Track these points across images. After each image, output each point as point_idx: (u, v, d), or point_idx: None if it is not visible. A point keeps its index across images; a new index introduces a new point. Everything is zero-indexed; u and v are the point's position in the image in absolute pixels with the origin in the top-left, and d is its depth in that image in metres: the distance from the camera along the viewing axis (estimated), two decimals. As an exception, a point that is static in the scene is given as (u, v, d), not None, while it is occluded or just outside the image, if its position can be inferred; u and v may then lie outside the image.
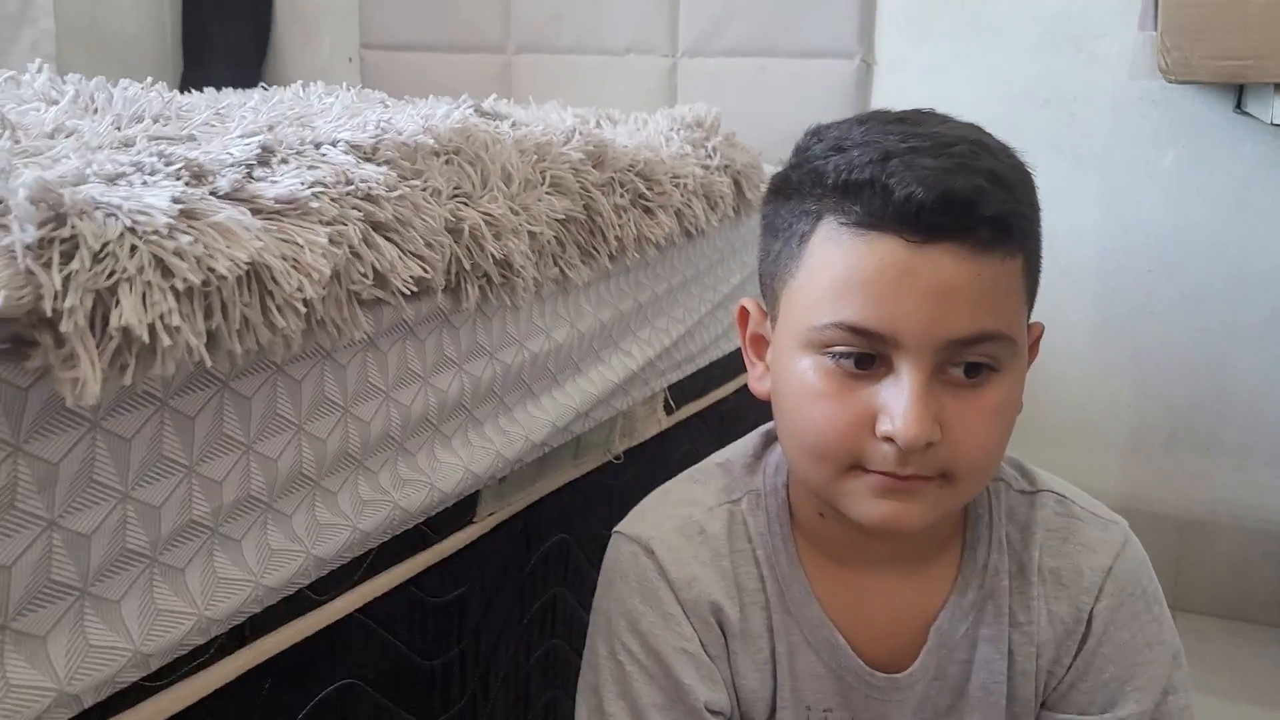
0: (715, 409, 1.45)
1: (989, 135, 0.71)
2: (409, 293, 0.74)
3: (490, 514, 0.98)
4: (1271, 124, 1.39)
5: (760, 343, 0.77)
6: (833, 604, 0.76)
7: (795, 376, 0.69)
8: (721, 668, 0.76)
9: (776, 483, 0.79)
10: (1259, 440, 1.84)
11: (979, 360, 0.66)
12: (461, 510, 0.94)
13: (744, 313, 0.79)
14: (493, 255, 0.85)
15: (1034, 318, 0.73)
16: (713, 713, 0.75)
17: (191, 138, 0.70)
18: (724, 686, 0.76)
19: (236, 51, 2.33)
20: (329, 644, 0.80)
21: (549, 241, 0.95)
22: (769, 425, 0.81)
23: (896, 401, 0.64)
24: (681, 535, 0.77)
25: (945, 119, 0.71)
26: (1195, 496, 1.89)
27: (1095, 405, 1.93)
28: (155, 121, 0.74)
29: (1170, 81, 1.61)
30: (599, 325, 1.09)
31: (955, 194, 0.63)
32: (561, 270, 0.98)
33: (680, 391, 1.34)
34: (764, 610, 0.76)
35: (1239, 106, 1.70)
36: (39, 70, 0.81)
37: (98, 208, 0.52)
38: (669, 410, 1.32)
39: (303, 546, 0.72)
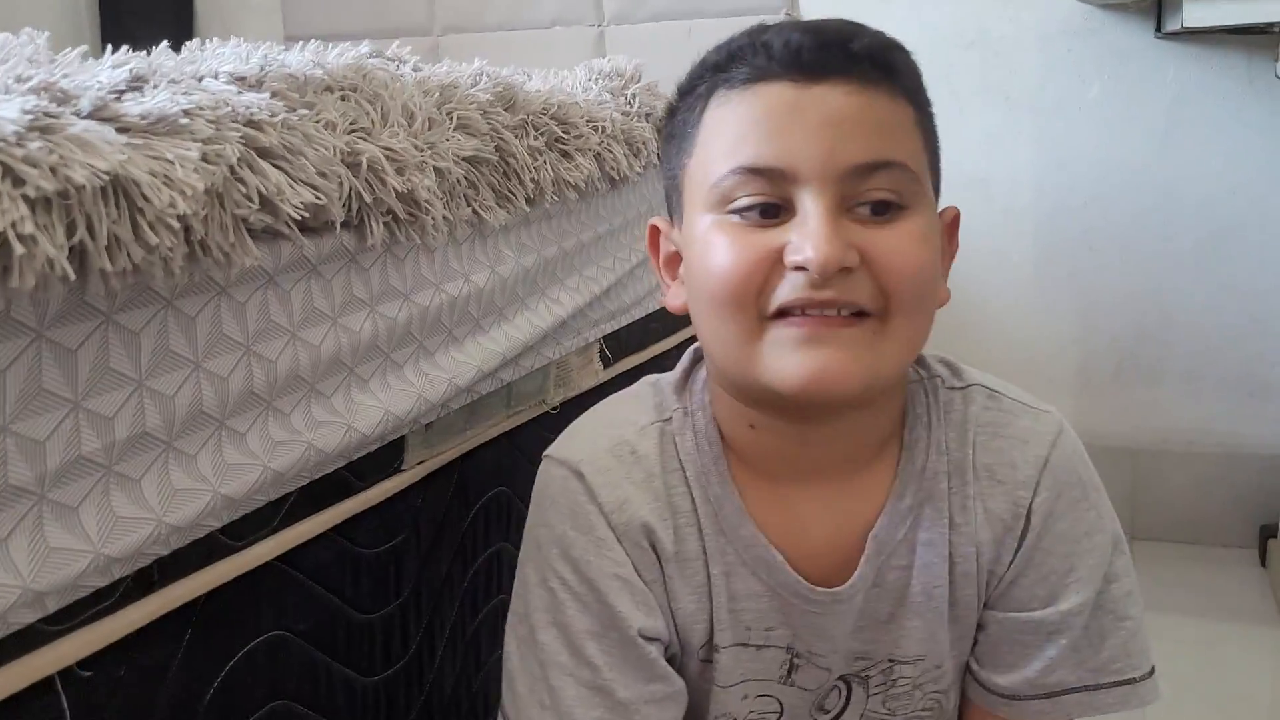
0: (655, 362, 1.43)
1: None
2: (300, 218, 0.72)
3: (419, 462, 0.96)
4: (1184, 29, 1.40)
5: (674, 262, 0.75)
6: (767, 521, 0.74)
7: (699, 240, 0.68)
8: (657, 593, 0.74)
9: (704, 399, 0.76)
10: (1205, 365, 1.86)
11: (884, 196, 0.65)
12: (388, 458, 0.92)
13: (654, 231, 0.78)
14: (395, 190, 0.83)
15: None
16: (648, 639, 0.73)
17: (53, 74, 0.67)
18: (659, 612, 0.74)
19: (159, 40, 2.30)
20: (251, 593, 0.78)
21: (458, 180, 0.93)
22: (698, 344, 0.78)
23: (803, 230, 0.63)
24: (612, 456, 0.74)
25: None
26: (1146, 426, 1.90)
27: (1041, 343, 1.94)
28: (28, 62, 0.71)
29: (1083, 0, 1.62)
30: (522, 271, 1.07)
31: (831, 33, 0.66)
32: (476, 211, 0.96)
33: (617, 344, 1.32)
34: (697, 532, 0.74)
35: (1159, 30, 1.71)
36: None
37: (-60, 117, 0.50)
38: (606, 362, 1.31)
39: (209, 485, 0.70)
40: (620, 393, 0.81)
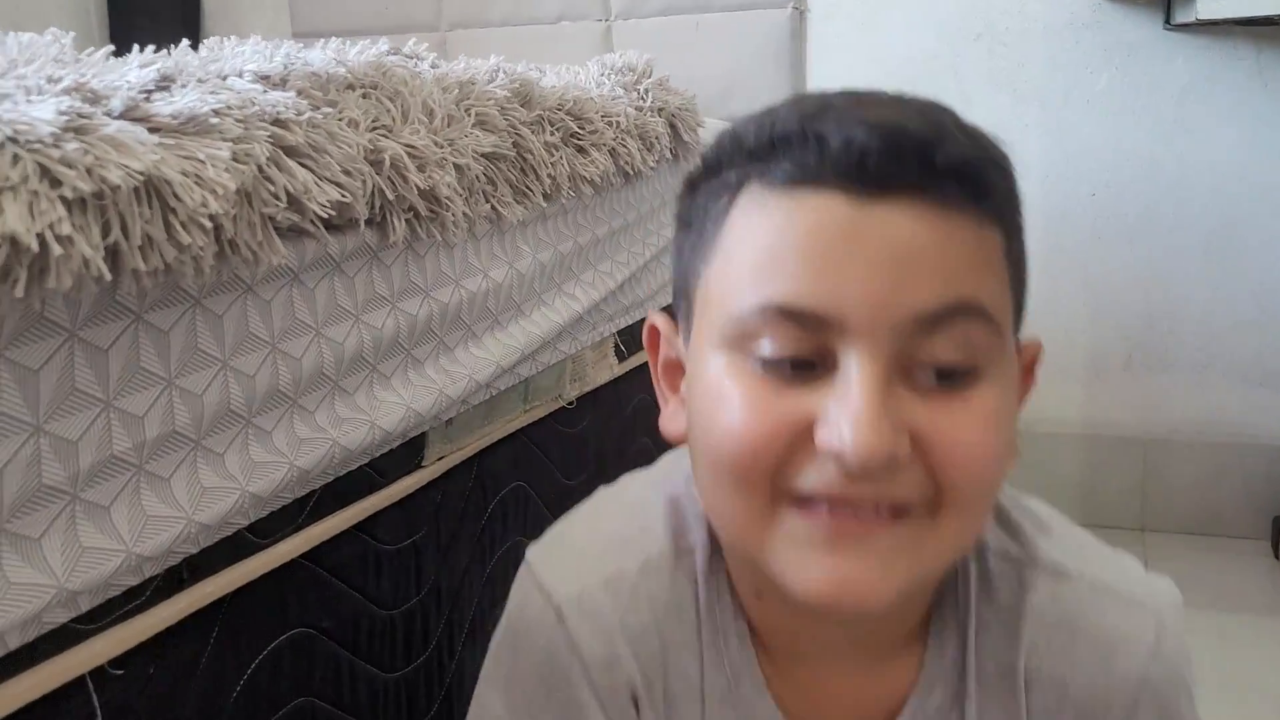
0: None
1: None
2: (327, 216, 0.72)
3: (439, 458, 0.96)
4: (1197, 21, 1.39)
5: (674, 370, 0.60)
6: (786, 703, 0.60)
7: (710, 383, 0.52)
8: None
9: (700, 565, 0.61)
10: (1215, 355, 1.86)
11: (953, 359, 0.49)
12: (409, 454, 0.92)
13: (654, 332, 0.62)
14: (417, 187, 0.83)
15: None
16: None
17: (84, 74, 0.68)
18: None
19: (166, 39, 2.30)
20: (277, 591, 0.78)
21: (477, 177, 0.93)
22: None
23: (843, 404, 0.47)
24: (607, 593, 0.60)
25: (902, 94, 0.55)
26: (1156, 416, 1.90)
27: (1051, 335, 1.93)
28: (54, 62, 0.71)
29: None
30: (539, 266, 1.07)
31: (909, 135, 0.48)
32: (494, 208, 0.96)
33: (632, 338, 1.33)
34: (698, 702, 0.60)
35: (1168, 21, 1.71)
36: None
37: (-24, 118, 0.50)
38: (620, 357, 1.31)
39: (237, 484, 0.70)
40: (631, 491, 0.66)
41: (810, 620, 0.56)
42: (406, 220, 0.84)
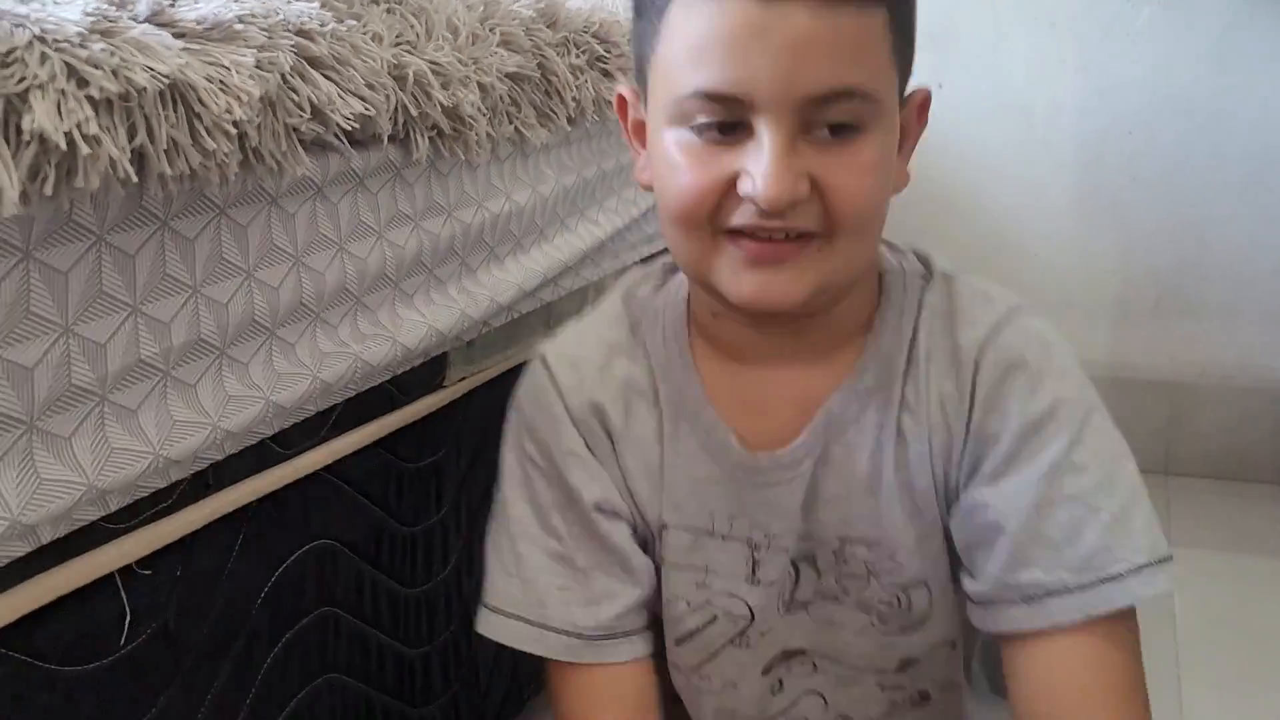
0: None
1: None
2: (351, 129, 0.72)
3: (461, 379, 0.97)
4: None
5: (641, 129, 0.73)
6: (727, 403, 0.74)
7: (662, 151, 0.67)
8: (611, 470, 0.76)
9: (678, 297, 0.78)
10: (1245, 300, 1.84)
11: (842, 119, 0.62)
12: (430, 373, 0.93)
13: (622, 100, 0.76)
14: (441, 104, 0.83)
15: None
16: (606, 513, 0.75)
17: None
18: (614, 487, 0.76)
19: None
20: (300, 501, 0.80)
21: (501, 97, 0.93)
22: None
23: (756, 162, 0.62)
24: (576, 343, 0.79)
25: None
26: (1185, 360, 1.89)
27: (1080, 275, 1.92)
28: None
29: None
30: (562, 190, 1.07)
31: None
32: (517, 129, 0.96)
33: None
34: (655, 417, 0.76)
35: (1213, -45, 1.67)
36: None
37: (3, 18, 0.50)
38: (644, 285, 1.31)
39: (261, 393, 0.72)
40: (600, 299, 0.83)
41: (754, 330, 0.72)
42: (430, 138, 0.84)
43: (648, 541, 0.77)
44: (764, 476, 0.73)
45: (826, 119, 0.62)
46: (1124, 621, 0.66)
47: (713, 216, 0.65)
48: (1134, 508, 0.67)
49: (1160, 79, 1.80)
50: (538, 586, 0.74)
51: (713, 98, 0.62)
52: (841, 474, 0.72)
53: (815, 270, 0.65)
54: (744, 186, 0.63)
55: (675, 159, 0.65)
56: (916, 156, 0.71)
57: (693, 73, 0.63)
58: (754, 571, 0.75)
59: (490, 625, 0.77)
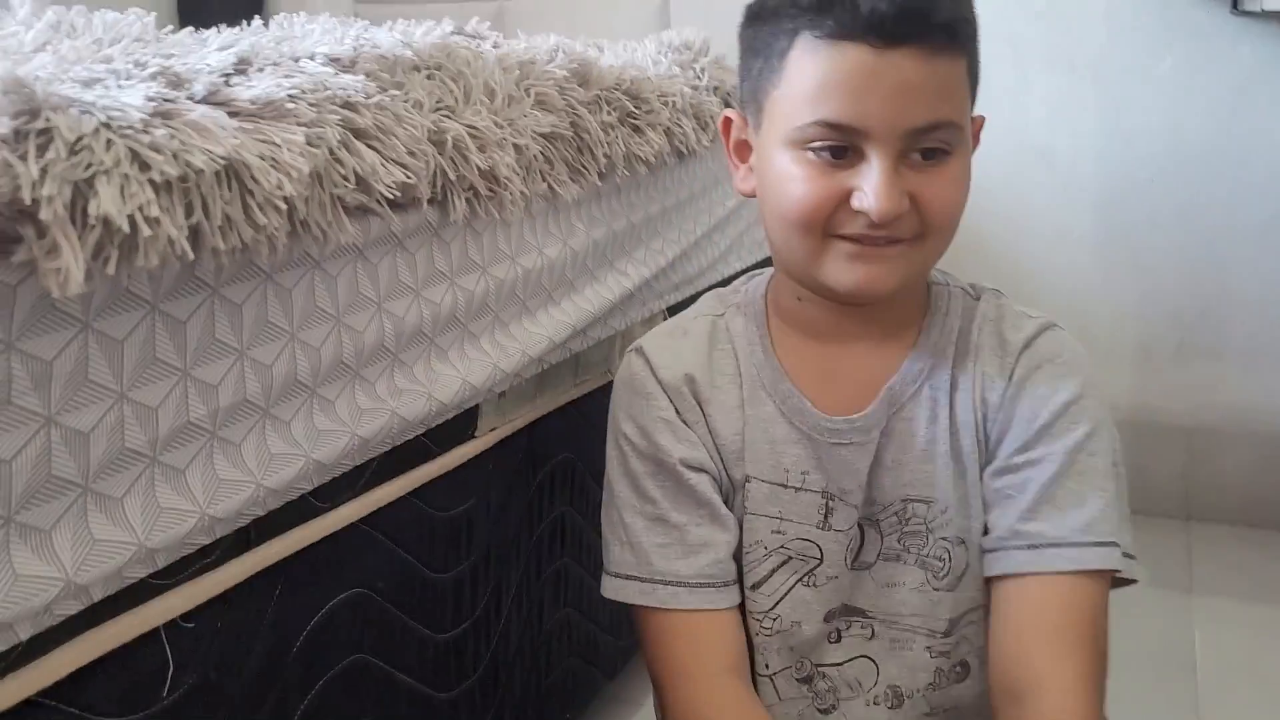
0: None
1: None
2: (393, 197, 0.75)
3: (491, 429, 0.99)
4: (1263, 11, 1.38)
5: (743, 148, 0.87)
6: (803, 378, 0.87)
7: (780, 169, 0.79)
8: (700, 431, 0.86)
9: (756, 295, 0.91)
10: (1267, 344, 1.84)
11: (935, 145, 0.76)
12: (462, 425, 0.95)
13: (727, 122, 0.89)
14: (478, 167, 0.86)
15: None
16: (692, 469, 0.85)
17: (170, 55, 0.71)
18: (701, 445, 0.86)
19: (230, 17, 2.34)
20: (336, 552, 0.82)
21: (535, 156, 0.95)
22: (754, 271, 0.94)
23: (869, 182, 0.75)
24: (667, 335, 0.91)
25: None
26: (1206, 404, 1.89)
27: (1101, 317, 1.93)
28: (136, 41, 0.75)
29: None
30: (592, 243, 1.10)
31: (913, 5, 0.73)
32: (550, 186, 0.99)
33: (680, 314, 1.35)
34: (737, 388, 0.87)
35: (1235, 6, 1.69)
36: (22, 4, 0.82)
37: (72, 105, 0.53)
38: (669, 332, 1.33)
39: (302, 451, 0.74)
40: (691, 307, 0.95)
41: (834, 313, 0.85)
42: (466, 199, 0.86)
43: (729, 496, 0.87)
44: (839, 437, 0.85)
45: (923, 145, 0.76)
46: (1101, 582, 0.80)
47: (825, 224, 0.78)
48: (1122, 500, 0.82)
49: (1181, 125, 1.81)
50: (642, 547, 0.85)
51: (833, 126, 0.76)
52: (901, 443, 0.85)
53: (906, 265, 0.79)
54: (858, 201, 0.76)
55: (794, 174, 0.78)
56: None
57: (816, 105, 0.76)
58: (826, 518, 0.86)
59: (609, 588, 0.87)
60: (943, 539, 0.85)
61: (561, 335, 1.04)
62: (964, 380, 0.84)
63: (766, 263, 0.93)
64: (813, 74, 0.76)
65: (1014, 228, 1.95)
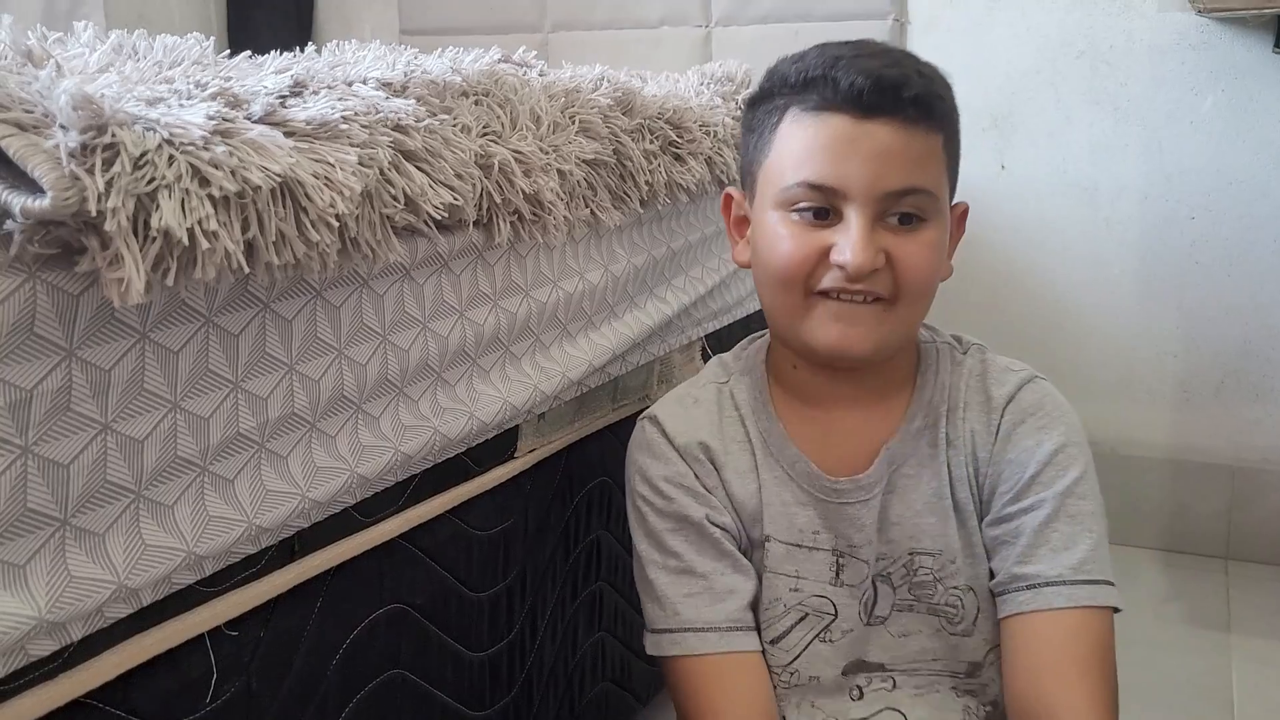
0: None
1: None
2: (440, 218, 0.76)
3: (531, 450, 1.00)
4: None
5: (742, 224, 0.94)
6: (806, 441, 0.92)
7: (768, 229, 0.87)
8: (719, 495, 0.91)
9: (757, 361, 0.96)
10: (1311, 385, 1.82)
11: (909, 210, 0.83)
12: (503, 445, 0.97)
13: (728, 199, 0.96)
14: (523, 191, 0.87)
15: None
16: (714, 524, 0.90)
17: (228, 77, 0.73)
18: (722, 508, 0.91)
19: (280, 42, 2.39)
20: (377, 567, 0.83)
21: (579, 182, 0.97)
22: (754, 335, 1.00)
23: (846, 238, 0.82)
24: (678, 403, 0.95)
25: (887, 46, 0.88)
26: (1247, 444, 1.87)
27: (1142, 357, 1.92)
28: (195, 64, 0.77)
29: (1200, 13, 1.60)
30: (633, 270, 1.11)
31: (887, 80, 0.81)
32: (593, 212, 1.00)
33: (718, 343, 1.36)
34: (749, 453, 0.92)
35: (1278, 45, 1.68)
36: (85, 29, 0.85)
37: (136, 122, 0.55)
38: (706, 359, 1.34)
39: (346, 465, 0.75)
40: (699, 375, 1.00)
41: (828, 378, 0.90)
42: (511, 222, 0.88)
43: (749, 554, 0.92)
44: (844, 497, 0.90)
45: (898, 210, 0.82)
46: (1099, 618, 0.84)
47: (807, 279, 0.84)
48: (1105, 538, 0.87)
49: (1223, 164, 1.81)
50: (670, 600, 0.89)
51: (815, 187, 0.83)
52: (905, 498, 0.90)
53: (881, 327, 0.85)
54: (836, 255, 0.82)
55: (779, 233, 0.85)
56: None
57: (800, 168, 0.83)
58: (838, 575, 0.90)
59: (650, 645, 0.91)
60: (954, 588, 0.89)
61: (601, 360, 1.05)
62: (955, 436, 0.90)
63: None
64: (799, 141, 0.84)
65: (1056, 265, 1.95)
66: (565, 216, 0.94)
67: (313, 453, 0.73)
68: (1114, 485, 1.96)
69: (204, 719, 0.69)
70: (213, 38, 0.78)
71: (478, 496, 0.94)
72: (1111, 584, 0.85)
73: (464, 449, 0.90)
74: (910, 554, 0.89)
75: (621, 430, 1.17)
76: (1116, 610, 0.85)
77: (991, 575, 0.88)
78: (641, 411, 1.19)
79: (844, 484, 0.89)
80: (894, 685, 0.90)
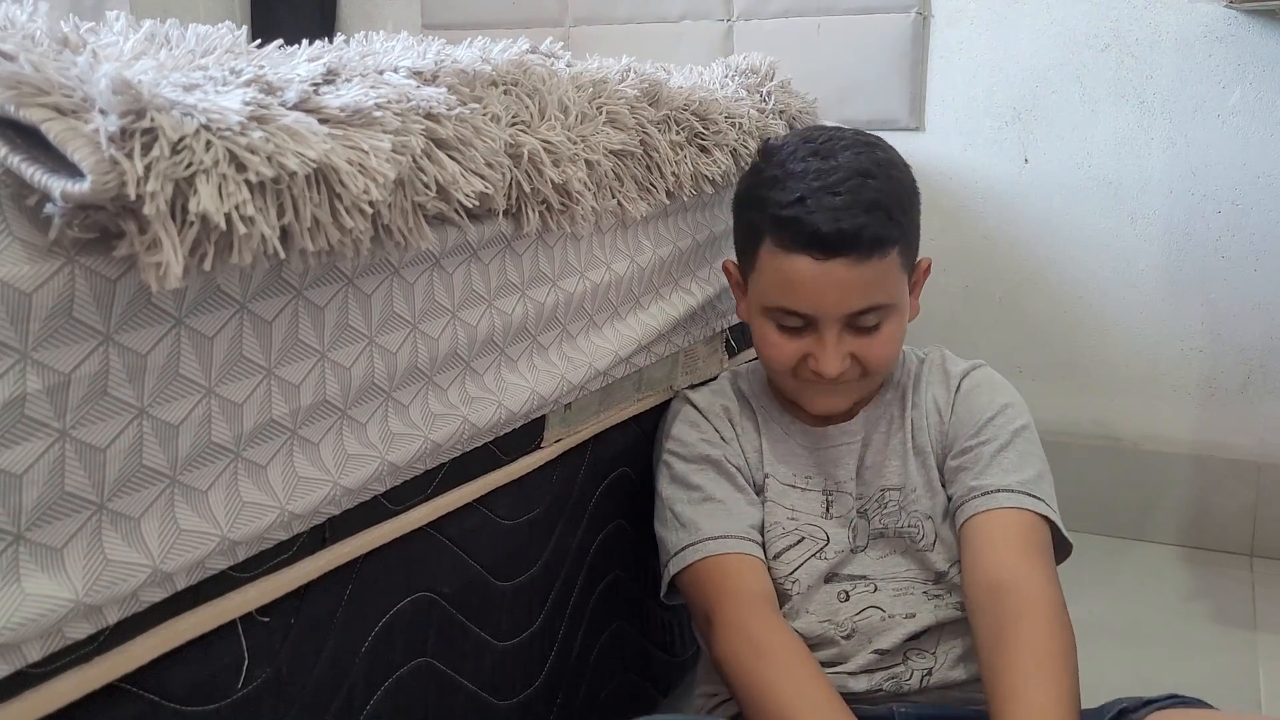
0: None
1: (881, 156, 1.02)
2: (471, 206, 0.76)
3: (557, 440, 1.00)
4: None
5: (740, 288, 1.11)
6: (799, 418, 1.12)
7: (760, 329, 1.05)
8: (734, 446, 1.10)
9: (758, 369, 1.16)
10: (1338, 381, 1.81)
11: (871, 321, 1.00)
12: (529, 434, 0.97)
13: (728, 266, 1.14)
14: (552, 181, 0.87)
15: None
16: (730, 463, 1.08)
17: (261, 65, 0.73)
18: (737, 453, 1.09)
19: (303, 36, 2.40)
20: (405, 555, 0.83)
21: (606, 173, 0.97)
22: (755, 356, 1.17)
23: (820, 351, 1.01)
24: (706, 390, 1.16)
25: (851, 143, 1.02)
26: (1273, 440, 1.86)
27: (1167, 352, 1.91)
28: (227, 53, 0.77)
29: (1228, 5, 1.58)
30: (659, 261, 1.11)
31: (846, 227, 0.96)
32: (620, 203, 1.00)
33: (742, 335, 1.35)
34: (754, 419, 1.12)
35: (1307, 37, 1.67)
36: (118, 18, 0.85)
37: (174, 107, 0.55)
38: (730, 352, 1.34)
39: (377, 452, 0.76)
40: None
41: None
42: (540, 212, 0.88)
43: (759, 491, 1.09)
44: (831, 440, 1.09)
45: (861, 322, 1.00)
46: (1045, 528, 1.00)
47: (792, 372, 1.04)
48: (1052, 483, 1.04)
49: (1250, 158, 1.79)
50: (693, 520, 1.04)
51: (790, 312, 1.01)
52: (877, 449, 1.09)
53: (858, 392, 1.07)
54: (812, 364, 1.01)
55: (769, 338, 1.04)
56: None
57: (778, 295, 1.01)
58: (828, 510, 1.08)
59: (674, 565, 1.03)
60: (914, 512, 1.06)
61: (627, 350, 1.05)
62: (918, 399, 1.10)
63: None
64: (774, 272, 1.00)
65: (1079, 260, 1.94)
66: (593, 207, 0.94)
67: (344, 440, 0.74)
68: (1137, 481, 1.96)
69: (235, 704, 0.69)
70: (245, 27, 0.78)
71: (504, 486, 0.94)
72: (1054, 510, 1.01)
73: (492, 438, 0.90)
74: (881, 490, 1.07)
75: (645, 420, 1.17)
76: (1061, 540, 1.01)
77: (948, 502, 1.06)
78: (667, 401, 1.21)
79: (831, 431, 1.09)
80: (875, 589, 1.04)
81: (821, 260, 0.96)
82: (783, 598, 1.04)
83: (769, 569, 1.04)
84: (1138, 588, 1.77)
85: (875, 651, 1.01)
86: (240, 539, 0.65)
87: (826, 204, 0.96)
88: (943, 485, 1.07)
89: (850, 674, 1.01)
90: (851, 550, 1.07)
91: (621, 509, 1.16)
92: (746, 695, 0.93)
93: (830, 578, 1.05)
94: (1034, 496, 1.00)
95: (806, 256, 0.96)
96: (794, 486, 1.08)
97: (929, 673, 1.02)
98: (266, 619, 0.71)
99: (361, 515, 0.77)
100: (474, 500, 0.90)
